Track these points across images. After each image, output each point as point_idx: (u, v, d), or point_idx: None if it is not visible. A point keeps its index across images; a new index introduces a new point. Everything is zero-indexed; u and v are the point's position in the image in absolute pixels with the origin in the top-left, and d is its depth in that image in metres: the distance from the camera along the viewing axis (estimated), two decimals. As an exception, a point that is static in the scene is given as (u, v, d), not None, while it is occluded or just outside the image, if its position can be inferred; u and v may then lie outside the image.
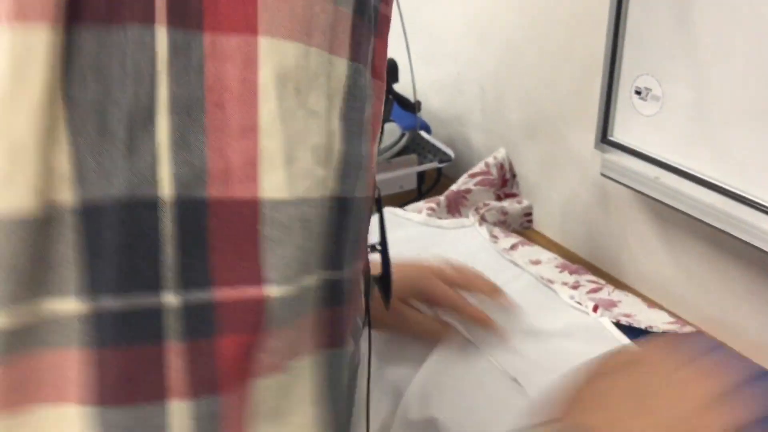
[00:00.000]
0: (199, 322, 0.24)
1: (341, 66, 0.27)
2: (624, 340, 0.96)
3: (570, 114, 1.26)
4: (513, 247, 1.20)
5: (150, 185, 0.23)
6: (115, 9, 0.22)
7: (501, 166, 1.33)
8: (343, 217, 0.28)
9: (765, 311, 1.02)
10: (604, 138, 1.07)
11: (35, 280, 0.22)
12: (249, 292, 0.24)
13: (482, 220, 1.26)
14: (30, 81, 0.21)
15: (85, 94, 0.22)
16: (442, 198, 1.31)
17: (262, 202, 0.24)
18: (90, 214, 0.22)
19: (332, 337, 0.28)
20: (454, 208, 1.31)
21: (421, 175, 1.47)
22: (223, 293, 0.24)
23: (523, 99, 1.38)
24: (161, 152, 0.23)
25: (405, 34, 0.61)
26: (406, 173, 1.42)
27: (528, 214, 1.30)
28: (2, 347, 0.22)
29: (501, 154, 1.34)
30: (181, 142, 0.23)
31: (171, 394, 0.24)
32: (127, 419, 0.23)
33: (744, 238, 0.90)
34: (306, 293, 0.26)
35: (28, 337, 0.23)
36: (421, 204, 1.30)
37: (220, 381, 0.24)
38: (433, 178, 1.49)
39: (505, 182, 1.34)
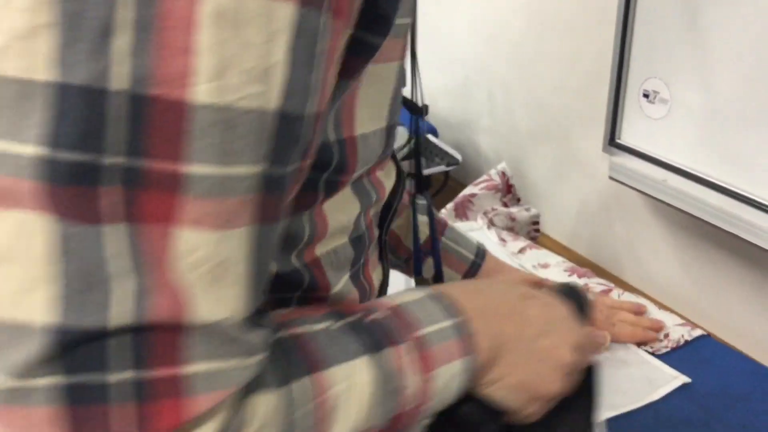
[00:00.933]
0: (130, 178, 0.33)
1: (284, 9, 0.34)
2: (634, 345, 0.96)
3: (578, 117, 1.26)
4: (521, 250, 1.20)
5: (103, 78, 0.32)
6: None
7: (503, 174, 1.33)
8: (290, 126, 0.36)
9: (774, 314, 1.02)
10: (612, 141, 1.07)
11: (14, 126, 0.32)
12: (169, 166, 0.33)
13: (491, 224, 1.26)
14: None
15: (70, 6, 0.32)
16: (449, 205, 1.32)
17: (192, 104, 0.33)
18: (60, 90, 0.32)
19: (260, 217, 0.37)
20: (461, 212, 1.32)
21: (428, 179, 1.47)
22: (149, 163, 0.33)
23: (532, 103, 1.38)
24: (117, 57, 0.32)
25: (413, 36, 0.61)
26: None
27: (535, 222, 1.30)
28: None
29: (501, 165, 1.35)
30: (134, 51, 0.32)
31: (118, 221, 0.33)
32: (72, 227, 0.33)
33: (752, 241, 0.90)
34: (232, 180, 0.35)
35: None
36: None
37: (143, 218, 0.34)
38: (441, 182, 1.49)
39: (509, 189, 1.34)
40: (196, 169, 0.34)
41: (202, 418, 0.36)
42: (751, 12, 0.85)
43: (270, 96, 0.35)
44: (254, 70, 0.34)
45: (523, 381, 0.52)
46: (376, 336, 0.46)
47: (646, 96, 1.00)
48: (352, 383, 0.43)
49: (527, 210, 1.31)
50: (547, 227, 1.37)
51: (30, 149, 0.32)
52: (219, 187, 0.35)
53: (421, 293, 0.51)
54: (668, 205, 1.01)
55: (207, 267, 0.35)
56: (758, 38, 0.85)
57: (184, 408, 0.35)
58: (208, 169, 0.34)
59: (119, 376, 0.34)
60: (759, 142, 0.88)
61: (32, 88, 0.32)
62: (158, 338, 0.34)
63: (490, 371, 0.51)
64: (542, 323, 0.54)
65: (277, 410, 0.39)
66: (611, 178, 1.09)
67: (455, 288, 0.53)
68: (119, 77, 0.32)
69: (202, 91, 0.33)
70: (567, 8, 1.24)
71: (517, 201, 1.36)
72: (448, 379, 0.48)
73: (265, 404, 0.39)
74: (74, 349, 0.33)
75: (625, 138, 1.06)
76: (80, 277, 0.33)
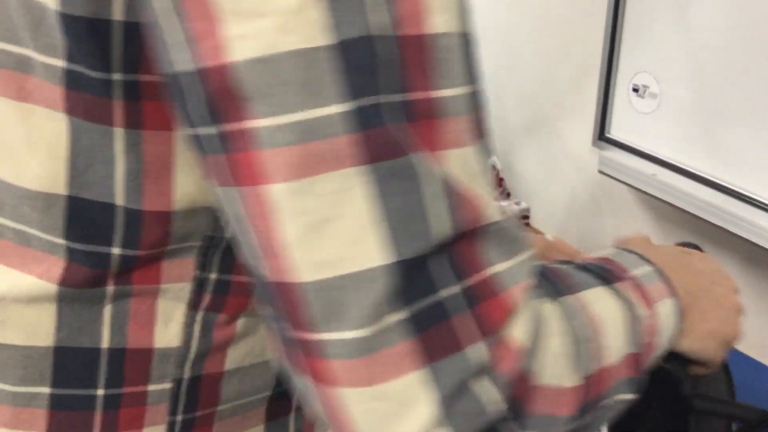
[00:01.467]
0: (395, 111, 0.36)
1: None
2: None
3: (568, 112, 1.27)
4: (511, 244, 1.20)
5: (368, 29, 0.35)
6: None
7: (493, 168, 1.34)
8: (473, 47, 0.41)
9: (763, 307, 1.03)
10: (601, 135, 1.07)
11: (313, 94, 0.35)
12: (426, 94, 0.37)
13: (480, 217, 1.27)
14: None
15: None
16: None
17: (430, 35, 0.37)
18: (342, 48, 0.35)
19: (480, 133, 0.41)
20: (452, 205, 1.32)
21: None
22: (411, 96, 0.37)
23: (521, 98, 1.38)
24: (371, 8, 0.35)
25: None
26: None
27: (525, 216, 1.31)
28: (293, 139, 0.35)
29: (491, 159, 1.36)
30: (381, 1, 0.36)
31: (413, 150, 0.36)
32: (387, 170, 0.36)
33: (741, 234, 0.90)
34: (466, 98, 0.39)
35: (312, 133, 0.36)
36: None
37: (423, 146, 0.37)
38: (431, 176, 1.49)
39: (499, 183, 1.35)
40: (443, 93, 0.38)
41: (519, 311, 0.39)
42: (741, 7, 0.85)
43: (458, 20, 0.39)
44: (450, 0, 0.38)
45: (715, 329, 0.55)
46: (603, 273, 0.48)
47: (635, 90, 1.01)
48: (604, 305, 0.45)
49: (517, 204, 1.31)
50: (537, 221, 1.38)
51: (333, 108, 0.35)
52: (458, 108, 0.38)
53: (612, 249, 0.54)
54: (657, 199, 1.01)
55: (475, 177, 0.39)
56: (748, 33, 0.85)
57: (505, 302, 0.38)
58: (451, 92, 0.38)
59: (448, 291, 0.37)
60: (748, 137, 0.88)
61: (316, 54, 0.35)
62: (466, 246, 0.38)
63: (684, 321, 0.53)
64: (710, 274, 0.58)
65: (562, 318, 0.42)
66: (600, 172, 1.09)
67: (634, 247, 0.56)
68: (378, 25, 0.36)
69: (435, 24, 0.37)
70: (557, 3, 1.24)
71: (507, 195, 1.36)
72: (665, 318, 0.50)
73: (551, 311, 0.41)
74: (409, 279, 0.36)
75: (615, 132, 1.06)
76: (402, 208, 0.36)
